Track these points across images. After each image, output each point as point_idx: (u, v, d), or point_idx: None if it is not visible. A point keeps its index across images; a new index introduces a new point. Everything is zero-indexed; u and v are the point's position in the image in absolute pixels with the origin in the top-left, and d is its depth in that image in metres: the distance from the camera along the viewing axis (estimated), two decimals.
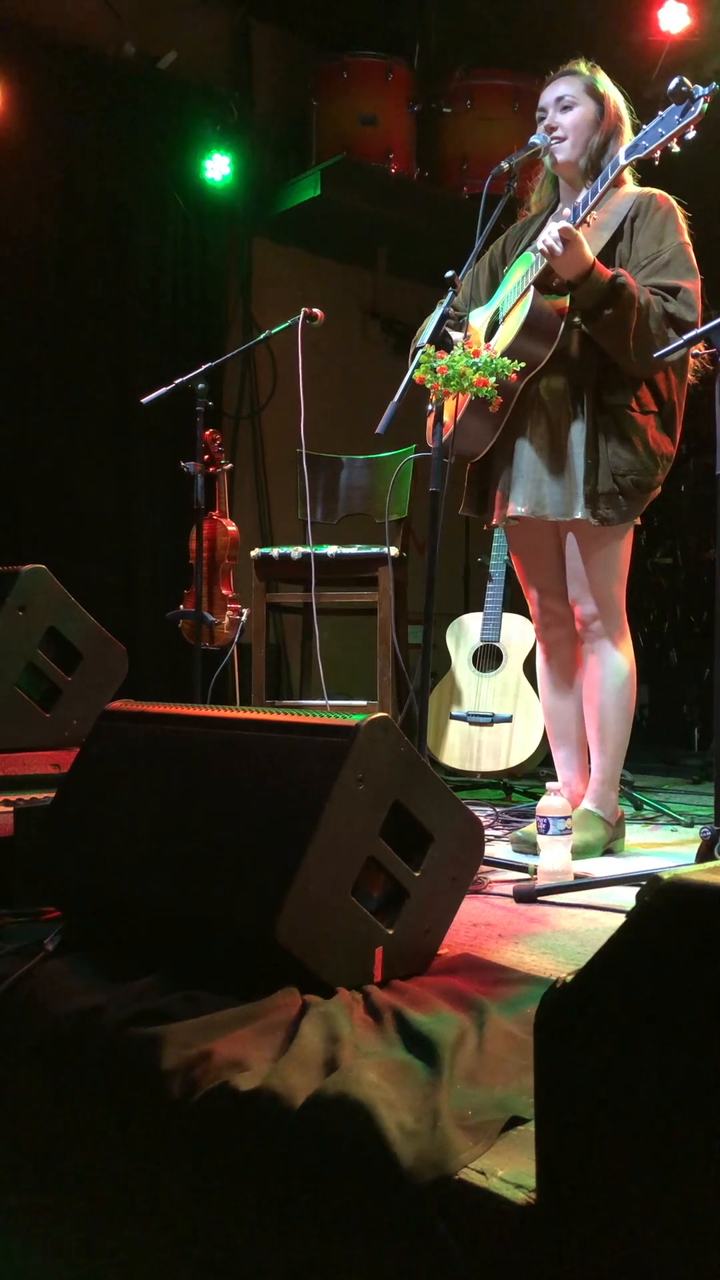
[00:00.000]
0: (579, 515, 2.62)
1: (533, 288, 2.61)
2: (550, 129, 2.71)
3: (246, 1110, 1.17)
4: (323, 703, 3.48)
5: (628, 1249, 0.86)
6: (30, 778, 2.41)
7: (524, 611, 3.58)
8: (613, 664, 2.73)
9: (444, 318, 2.56)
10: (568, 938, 1.95)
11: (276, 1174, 1.13)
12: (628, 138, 2.66)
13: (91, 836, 1.77)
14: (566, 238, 2.45)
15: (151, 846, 1.67)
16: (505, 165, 2.63)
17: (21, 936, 1.74)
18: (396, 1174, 1.02)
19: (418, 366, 2.45)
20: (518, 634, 4.05)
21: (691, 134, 2.38)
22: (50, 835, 1.84)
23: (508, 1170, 1.00)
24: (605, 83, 2.73)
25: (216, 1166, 1.19)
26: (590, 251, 2.50)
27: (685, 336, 2.31)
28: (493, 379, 2.45)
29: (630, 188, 2.72)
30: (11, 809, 2.00)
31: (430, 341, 2.50)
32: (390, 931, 1.55)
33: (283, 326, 3.50)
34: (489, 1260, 0.95)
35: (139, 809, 1.74)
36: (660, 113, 2.42)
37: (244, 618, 3.90)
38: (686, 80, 2.33)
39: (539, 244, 2.51)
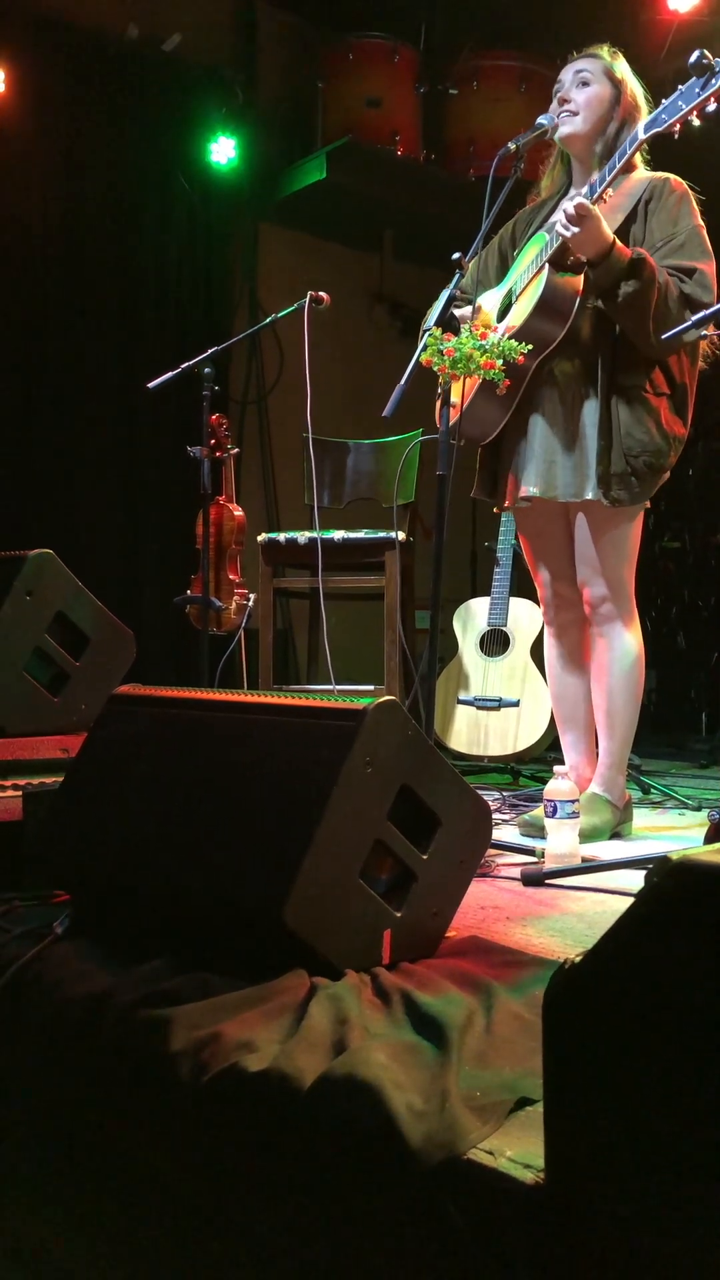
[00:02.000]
0: (590, 496, 2.62)
1: (548, 266, 2.60)
2: (563, 100, 2.69)
3: (255, 1091, 1.17)
4: (330, 687, 3.49)
5: (636, 1229, 0.86)
6: (39, 762, 2.41)
7: (531, 596, 3.57)
8: (621, 647, 2.73)
9: (451, 300, 2.55)
10: (575, 920, 1.95)
11: (285, 1155, 1.14)
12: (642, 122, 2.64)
13: (100, 820, 1.78)
14: (583, 212, 2.44)
15: (160, 830, 1.68)
16: (512, 146, 2.61)
17: (30, 920, 1.75)
18: (405, 1154, 1.02)
19: (424, 349, 2.44)
20: (525, 618, 4.04)
21: (712, 106, 2.35)
22: (59, 819, 1.84)
23: (516, 1150, 1.00)
24: (624, 69, 2.72)
25: (225, 1147, 1.20)
26: (609, 229, 2.49)
27: (698, 315, 2.30)
28: (500, 361, 2.44)
29: (643, 172, 2.71)
30: (20, 793, 2.00)
31: (437, 324, 2.49)
32: (398, 914, 1.55)
33: (289, 310, 3.49)
34: (497, 1240, 0.95)
35: (147, 793, 1.74)
36: (680, 87, 2.39)
37: (251, 603, 3.90)
38: (708, 53, 2.31)
39: (556, 219, 2.50)
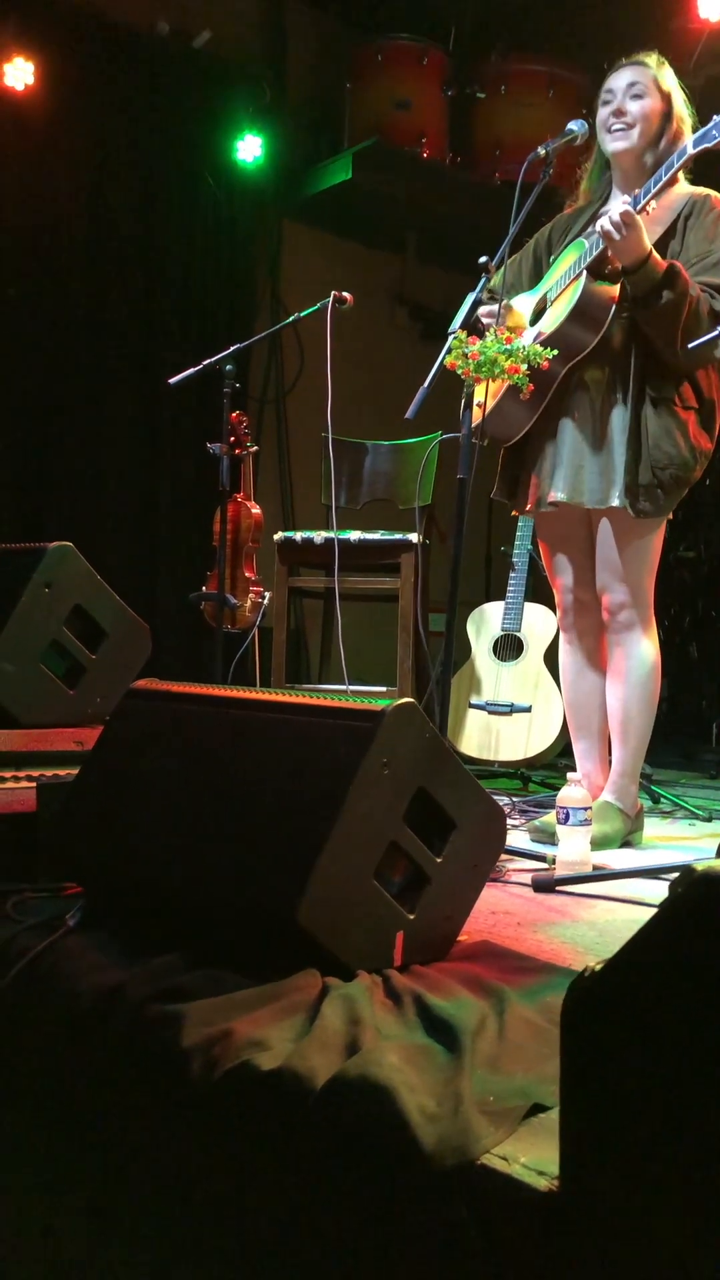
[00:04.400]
0: (615, 504, 2.61)
1: (585, 273, 2.60)
2: (619, 112, 2.67)
3: (267, 1090, 1.17)
4: (344, 687, 3.48)
5: (650, 1238, 0.86)
6: (54, 754, 2.41)
7: (546, 601, 3.57)
8: (638, 655, 2.72)
9: (477, 303, 2.55)
10: (586, 928, 1.94)
11: (296, 1154, 1.14)
12: (688, 135, 2.62)
13: (114, 813, 1.78)
14: (628, 221, 2.43)
15: (174, 825, 1.68)
16: (541, 151, 2.59)
17: (43, 911, 1.75)
18: (418, 1157, 1.02)
19: (449, 352, 2.43)
20: (539, 624, 4.04)
21: None
22: (72, 811, 1.84)
23: (530, 1157, 1.00)
24: (671, 80, 2.70)
25: (236, 1144, 1.20)
26: (649, 239, 2.48)
27: None
28: (524, 366, 2.43)
29: (684, 186, 2.68)
30: (34, 785, 2.00)
31: (462, 327, 2.48)
32: (411, 916, 1.55)
33: (311, 310, 3.48)
34: (510, 1246, 0.95)
35: (162, 787, 1.74)
36: None
37: (266, 601, 3.90)
38: None
39: (599, 226, 2.49)
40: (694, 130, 2.60)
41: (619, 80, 2.70)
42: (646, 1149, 0.86)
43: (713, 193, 2.67)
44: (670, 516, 2.71)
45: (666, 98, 2.68)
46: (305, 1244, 1.11)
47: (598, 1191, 0.89)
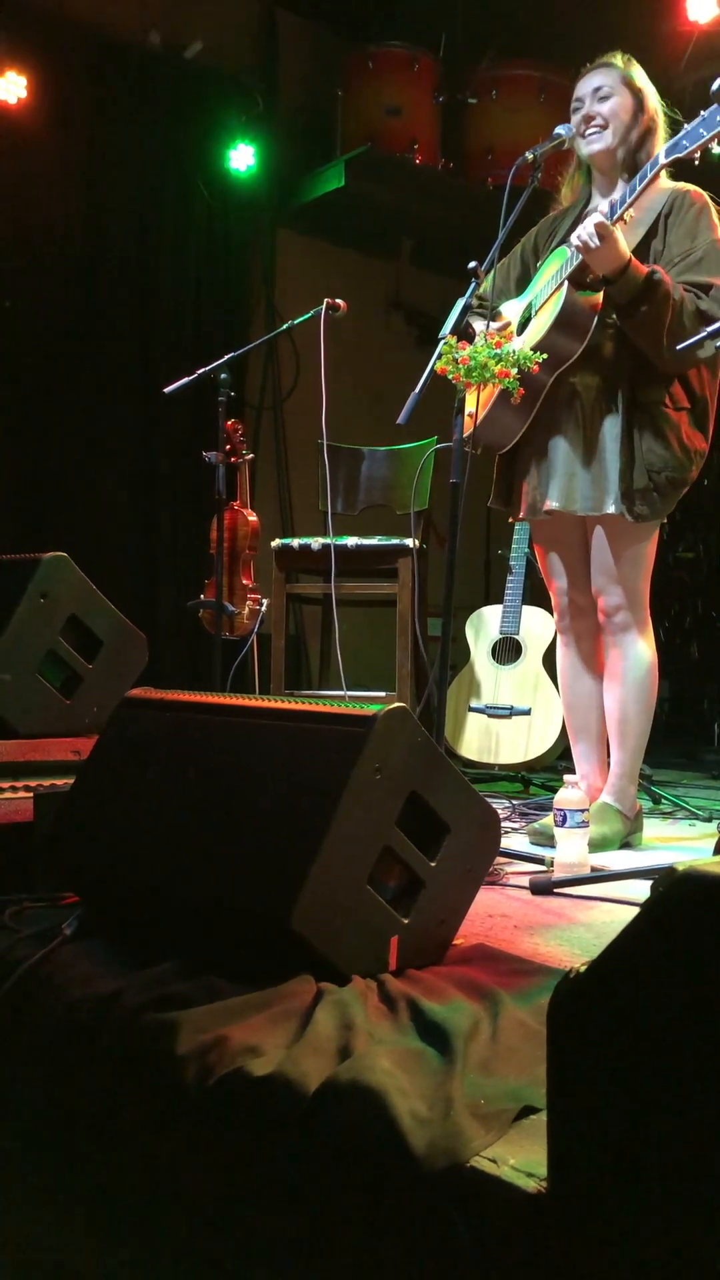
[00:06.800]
0: (610, 510, 2.62)
1: (567, 283, 2.60)
2: (589, 118, 2.69)
3: (260, 1096, 1.17)
4: (341, 693, 3.49)
5: (637, 1238, 0.86)
6: (50, 764, 2.42)
7: (543, 604, 3.57)
8: (634, 656, 2.73)
9: (467, 309, 2.56)
10: (583, 930, 1.95)
11: (289, 1159, 1.14)
12: (662, 134, 2.65)
13: (110, 823, 1.78)
14: (602, 233, 2.44)
15: (169, 833, 1.68)
16: (529, 156, 2.61)
17: (40, 921, 1.76)
18: (409, 1161, 1.03)
19: (439, 357, 2.44)
20: (537, 627, 4.04)
21: None
22: (69, 821, 1.85)
23: (519, 1159, 1.00)
24: (641, 77, 2.71)
25: (229, 1151, 1.20)
26: (626, 247, 2.49)
27: (711, 328, 2.30)
28: (515, 370, 2.44)
29: (664, 183, 2.69)
30: (31, 794, 2.01)
31: (452, 332, 2.49)
32: (405, 921, 1.55)
33: (305, 317, 3.50)
34: (499, 1247, 0.95)
35: (157, 796, 1.74)
36: (702, 113, 2.38)
37: (264, 608, 3.91)
38: None
39: (574, 239, 2.50)
40: (670, 126, 2.62)
41: (585, 86, 2.72)
42: (631, 1149, 0.86)
43: (693, 188, 2.67)
44: (664, 520, 2.72)
45: (638, 94, 2.69)
46: (298, 1247, 1.11)
47: (584, 1192, 0.89)
